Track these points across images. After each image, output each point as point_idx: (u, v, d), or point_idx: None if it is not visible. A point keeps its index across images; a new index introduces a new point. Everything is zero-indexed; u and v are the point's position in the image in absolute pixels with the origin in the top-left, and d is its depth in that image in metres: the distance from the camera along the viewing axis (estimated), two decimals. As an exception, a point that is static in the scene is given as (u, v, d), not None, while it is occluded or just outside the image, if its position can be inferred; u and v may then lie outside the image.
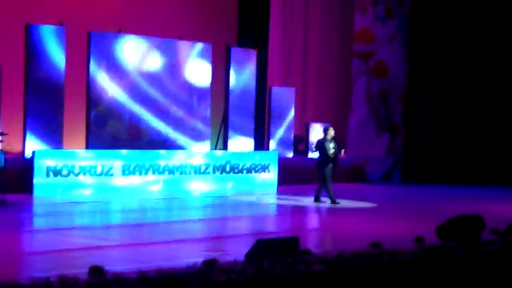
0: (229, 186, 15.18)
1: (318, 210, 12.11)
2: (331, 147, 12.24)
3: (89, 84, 13.99)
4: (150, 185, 13.92)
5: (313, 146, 12.57)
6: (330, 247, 8.37)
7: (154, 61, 15.07)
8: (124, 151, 13.77)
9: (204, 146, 15.87)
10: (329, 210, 12.05)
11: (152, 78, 15.03)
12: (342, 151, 12.59)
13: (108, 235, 8.54)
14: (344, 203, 12.71)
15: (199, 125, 15.83)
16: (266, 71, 17.42)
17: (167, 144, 15.16)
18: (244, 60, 16.62)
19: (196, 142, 15.73)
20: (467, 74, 18.50)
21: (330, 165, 12.26)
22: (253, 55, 16.83)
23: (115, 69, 14.35)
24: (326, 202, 12.42)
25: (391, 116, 19.18)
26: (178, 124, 15.43)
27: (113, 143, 14.31)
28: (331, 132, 12.37)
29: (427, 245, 5.83)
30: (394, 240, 7.79)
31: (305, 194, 14.01)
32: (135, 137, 14.61)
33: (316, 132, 17.86)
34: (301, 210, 12.02)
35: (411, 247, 5.70)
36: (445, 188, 16.68)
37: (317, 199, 12.45)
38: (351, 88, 19.02)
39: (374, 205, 12.68)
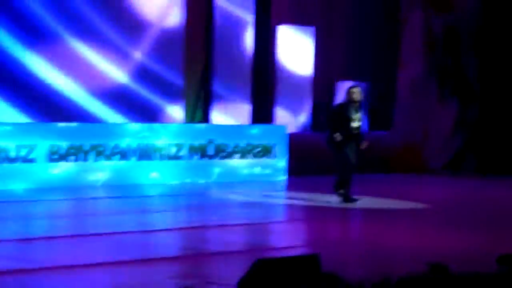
0: (214, 177, 15.27)
1: (347, 214, 12.17)
2: (355, 118, 12.28)
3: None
4: (93, 176, 14.02)
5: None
6: (368, 269, 8.44)
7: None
8: (53, 125, 13.82)
9: (175, 117, 15.88)
10: (364, 214, 12.11)
11: (97, 8, 15.05)
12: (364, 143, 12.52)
13: (31, 254, 8.61)
14: (385, 202, 12.77)
15: (167, 84, 15.85)
16: (270, 1, 17.40)
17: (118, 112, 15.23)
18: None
19: (167, 104, 15.80)
20: None
21: (352, 144, 12.33)
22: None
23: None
24: (360, 200, 12.50)
25: (461, 72, 19.17)
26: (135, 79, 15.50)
27: (36, 111, 14.37)
28: (356, 96, 12.36)
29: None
30: (463, 258, 7.88)
31: (328, 189, 14.08)
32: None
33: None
34: (322, 215, 12.10)
35: (490, 270, 5.76)
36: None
37: (347, 199, 12.52)
38: (400, 29, 18.99)
39: (428, 206, 12.79)
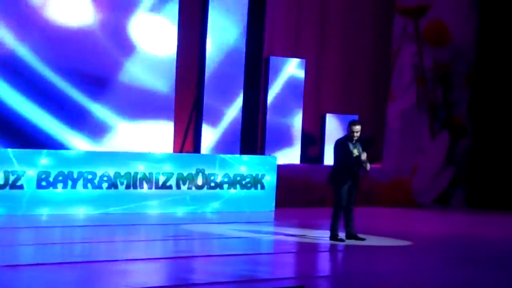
0: (201, 209, 15.30)
1: (332, 248, 12.18)
2: (354, 152, 12.17)
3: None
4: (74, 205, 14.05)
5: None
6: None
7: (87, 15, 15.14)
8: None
9: (163, 146, 15.92)
10: (351, 250, 12.12)
11: (83, 38, 15.11)
12: (367, 164, 12.30)
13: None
14: (371, 239, 12.78)
15: (157, 113, 15.91)
16: (263, 31, 17.49)
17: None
18: (229, 13, 16.71)
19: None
20: None
21: (350, 182, 12.34)
22: (242, 5, 16.92)
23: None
24: (364, 240, 12.40)
25: (452, 107, 19.28)
26: (122, 110, 15.54)
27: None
28: (357, 129, 12.27)
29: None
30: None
31: (317, 223, 14.08)
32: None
33: (336, 129, 17.93)
34: (309, 248, 12.04)
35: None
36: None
37: (350, 235, 12.33)
38: (392, 62, 19.10)
39: (414, 242, 12.80)
